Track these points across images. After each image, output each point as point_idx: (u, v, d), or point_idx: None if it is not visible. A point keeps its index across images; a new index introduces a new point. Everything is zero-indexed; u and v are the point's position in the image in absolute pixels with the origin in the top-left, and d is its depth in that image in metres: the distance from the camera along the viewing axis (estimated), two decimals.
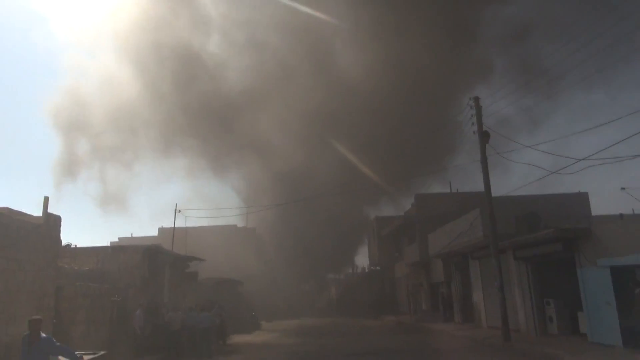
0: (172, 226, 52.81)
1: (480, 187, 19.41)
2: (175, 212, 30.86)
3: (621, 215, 18.36)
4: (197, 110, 50.49)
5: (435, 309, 29.96)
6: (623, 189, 28.00)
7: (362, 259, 56.96)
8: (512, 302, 19.30)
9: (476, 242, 20.32)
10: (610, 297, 13.65)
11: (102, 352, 10.03)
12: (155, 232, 55.77)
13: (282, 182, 51.14)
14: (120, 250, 19.21)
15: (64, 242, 20.11)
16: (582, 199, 36.96)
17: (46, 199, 12.35)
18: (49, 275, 12.29)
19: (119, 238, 55.44)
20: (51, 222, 12.55)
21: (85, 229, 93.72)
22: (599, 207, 40.80)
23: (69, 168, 50.32)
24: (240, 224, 56.64)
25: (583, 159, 13.54)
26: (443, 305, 28.13)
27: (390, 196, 46.31)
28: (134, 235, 55.82)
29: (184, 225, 52.34)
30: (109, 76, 53.04)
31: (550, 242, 15.71)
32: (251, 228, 56.93)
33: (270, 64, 51.17)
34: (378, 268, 45.44)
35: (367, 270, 52.32)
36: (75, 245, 19.67)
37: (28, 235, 11.34)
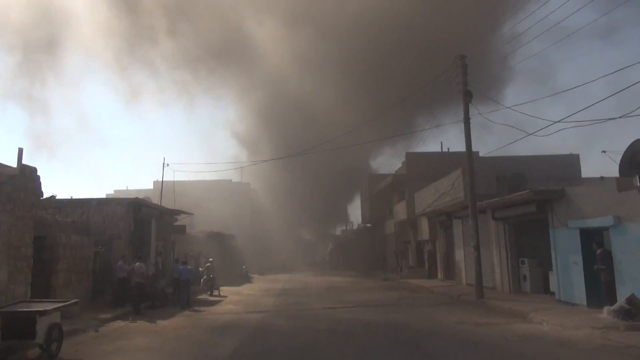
0: (168, 179, 53.29)
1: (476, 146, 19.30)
2: (163, 166, 30.66)
3: (602, 178, 18.49)
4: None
5: (422, 266, 30.59)
6: (604, 152, 27.91)
7: (357, 214, 57.56)
8: (490, 261, 19.73)
9: (457, 202, 20.53)
10: (577, 257, 13.97)
11: (73, 300, 10.38)
12: (151, 185, 56.15)
13: (277, 134, 51.13)
14: (105, 202, 19.47)
15: (49, 194, 20.36)
16: (573, 160, 37.16)
17: (20, 150, 12.47)
18: (27, 225, 12.52)
19: (114, 190, 56.03)
20: (27, 173, 12.69)
21: (83, 181, 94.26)
22: (589, 169, 40.93)
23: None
24: (235, 178, 57.03)
25: (558, 121, 13.51)
26: (428, 263, 28.71)
27: (382, 151, 46.44)
28: (129, 188, 56.25)
29: (181, 179, 52.85)
30: None
31: (526, 203, 15.89)
32: (245, 183, 57.26)
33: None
34: (369, 225, 46.03)
35: (359, 227, 52.98)
36: (63, 197, 19.87)
37: (1, 186, 11.49)
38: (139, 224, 20.67)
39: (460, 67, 18.13)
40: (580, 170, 36.79)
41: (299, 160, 42.62)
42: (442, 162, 30.24)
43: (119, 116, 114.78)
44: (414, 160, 33.49)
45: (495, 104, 18.56)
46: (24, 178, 12.52)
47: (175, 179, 51.41)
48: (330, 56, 46.15)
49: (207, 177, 53.44)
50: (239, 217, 52.04)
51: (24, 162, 12.73)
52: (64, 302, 10.11)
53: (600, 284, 12.96)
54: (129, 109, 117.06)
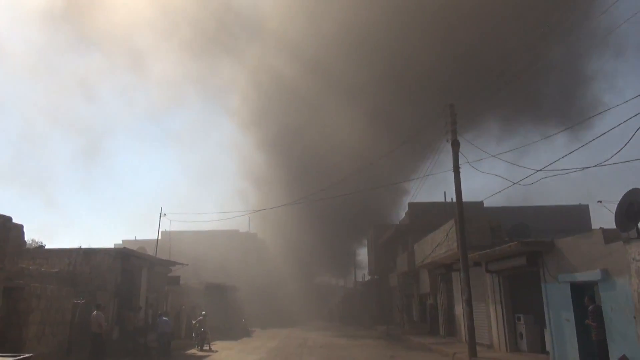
0: (174, 229, 53.29)
1: (479, 195, 18.92)
2: (160, 217, 30.62)
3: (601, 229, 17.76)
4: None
5: (425, 320, 29.43)
6: (600, 202, 27.17)
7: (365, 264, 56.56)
8: (487, 316, 18.84)
9: (452, 254, 19.86)
10: (569, 314, 13.19)
11: (27, 355, 9.96)
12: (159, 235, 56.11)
13: (285, 186, 51.18)
14: (92, 252, 19.27)
15: (36, 243, 20.37)
16: (582, 211, 36.22)
17: None
18: None
19: (122, 240, 55.94)
20: (0, 223, 12.61)
21: (93, 233, 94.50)
22: (601, 220, 39.86)
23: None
24: (242, 229, 56.78)
25: (539, 170, 13.12)
26: (430, 318, 27.63)
27: (390, 201, 46.05)
28: (137, 238, 56.28)
29: (189, 229, 52.87)
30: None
31: (516, 255, 15.25)
32: (252, 233, 56.96)
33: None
34: (376, 277, 44.99)
35: (366, 279, 51.86)
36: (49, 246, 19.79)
37: None
38: (127, 274, 20.37)
39: (450, 116, 18.02)
40: (590, 221, 35.78)
41: (306, 208, 42.42)
42: (445, 212, 29.64)
43: (130, 164, 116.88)
44: (417, 210, 32.96)
45: (487, 151, 18.19)
46: None
47: (182, 229, 51.62)
48: (333, 101, 46.97)
49: (216, 226, 53.41)
50: (245, 267, 51.41)
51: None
52: (15, 356, 9.70)
53: (591, 341, 12.13)
54: (138, 156, 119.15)
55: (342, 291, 60.39)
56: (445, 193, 34.91)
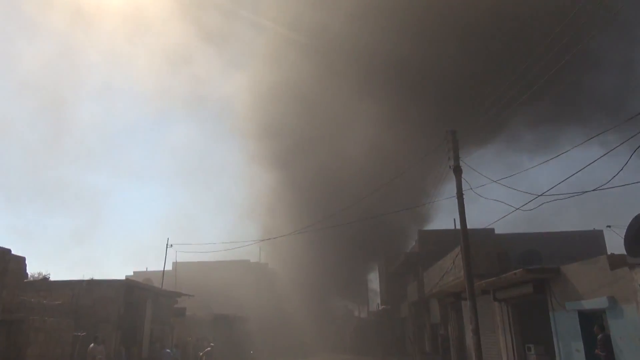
0: (185, 260, 53.29)
1: (491, 221, 18.39)
2: (167, 247, 30.60)
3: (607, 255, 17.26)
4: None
5: (437, 351, 28.64)
6: (609, 226, 26.54)
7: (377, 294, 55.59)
8: (497, 346, 18.25)
9: (459, 282, 19.40)
10: (579, 344, 12.69)
11: None
12: (170, 267, 56.08)
13: (294, 214, 50.96)
14: (95, 284, 19.24)
15: (41, 275, 20.42)
16: (596, 236, 35.35)
17: None
18: None
19: (133, 272, 55.99)
20: None
21: (105, 265, 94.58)
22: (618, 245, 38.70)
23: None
24: (252, 259, 56.48)
25: (540, 195, 12.84)
26: (442, 349, 26.87)
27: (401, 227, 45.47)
28: (148, 269, 56.22)
29: (200, 260, 52.74)
30: None
31: (522, 283, 14.84)
32: (264, 263, 56.60)
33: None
34: (388, 307, 44.14)
35: (379, 308, 50.92)
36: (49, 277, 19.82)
37: None
38: (130, 306, 20.24)
39: (451, 142, 17.87)
40: (605, 247, 34.83)
41: (316, 235, 42.14)
42: (455, 239, 29.13)
43: (137, 194, 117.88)
44: (426, 237, 32.45)
45: (487, 176, 17.92)
46: None
47: (190, 260, 51.50)
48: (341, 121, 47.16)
49: (226, 257, 53.20)
50: (256, 298, 50.88)
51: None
52: None
53: None
54: (146, 186, 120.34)
55: (355, 321, 59.31)
56: (455, 220, 34.25)
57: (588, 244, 33.74)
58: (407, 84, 40.38)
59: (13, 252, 14.20)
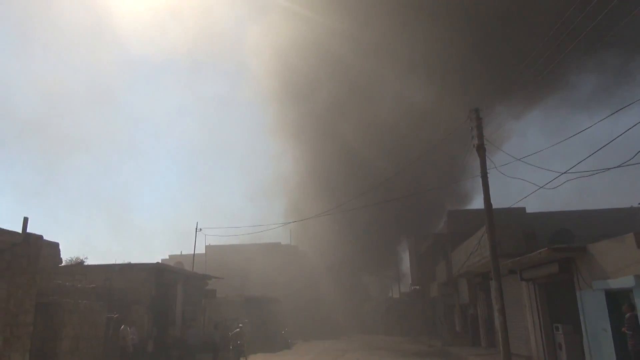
0: (218, 244, 54.29)
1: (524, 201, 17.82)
2: (196, 231, 31.23)
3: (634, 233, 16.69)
4: None
5: (467, 331, 28.52)
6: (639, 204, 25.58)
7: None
8: (525, 326, 18.03)
9: (485, 262, 19.17)
10: (606, 323, 12.39)
11: None
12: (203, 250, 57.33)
13: (323, 196, 50.97)
14: (127, 268, 19.88)
15: (78, 259, 21.23)
16: (634, 213, 34.16)
17: (25, 220, 13.02)
18: (28, 292, 12.88)
19: (169, 256, 57.58)
20: (31, 242, 13.18)
21: (144, 249, 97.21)
22: None
23: None
24: (283, 241, 57.13)
25: (564, 172, 12.46)
26: (471, 328, 26.74)
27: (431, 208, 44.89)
28: (183, 253, 57.65)
29: (230, 243, 53.70)
30: None
31: (548, 262, 14.54)
32: (294, 245, 57.17)
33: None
34: (418, 287, 44.04)
35: (410, 289, 50.88)
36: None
37: (1, 254, 12.00)
38: (162, 289, 20.86)
39: (475, 120, 17.50)
40: None
41: (345, 216, 42.11)
42: (483, 219, 28.69)
43: (171, 178, 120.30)
44: (456, 218, 32.12)
45: (511, 155, 17.48)
46: (27, 246, 13.02)
47: (223, 243, 52.42)
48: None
49: (257, 240, 54.00)
50: (288, 280, 51.58)
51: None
52: None
53: (630, 352, 11.32)
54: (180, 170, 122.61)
55: (387, 301, 59.50)
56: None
57: (625, 222, 32.66)
58: (445, 40, 38.55)
59: (51, 239, 14.83)
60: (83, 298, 16.86)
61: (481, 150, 16.85)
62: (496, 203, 18.47)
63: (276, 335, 33.22)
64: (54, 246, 16.57)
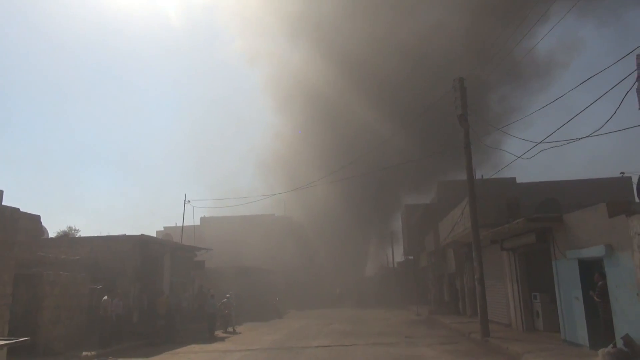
0: (213, 215, 54.35)
1: (511, 172, 18.11)
2: (184, 203, 31.29)
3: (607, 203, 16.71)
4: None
5: (454, 300, 28.91)
6: (622, 173, 25.58)
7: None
8: (505, 295, 18.24)
9: (468, 232, 19.22)
10: (578, 292, 12.52)
11: (23, 339, 10.43)
12: (199, 222, 57.53)
13: (315, 167, 50.86)
14: (112, 240, 19.98)
15: (71, 231, 21.27)
16: (624, 183, 34.14)
17: (0, 193, 13.00)
18: (6, 264, 12.95)
19: (164, 227, 57.82)
20: (7, 214, 13.19)
21: (139, 221, 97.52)
22: None
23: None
24: (278, 213, 57.31)
25: (540, 142, 12.38)
26: (457, 298, 27.10)
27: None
28: (177, 225, 57.89)
29: (223, 215, 53.86)
30: None
31: (527, 232, 14.59)
32: (288, 216, 57.39)
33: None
34: (410, 257, 44.47)
35: (402, 259, 51.40)
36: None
37: None
38: (148, 260, 21.00)
39: (459, 90, 17.29)
40: (634, 195, 33.54)
41: (338, 186, 42.13)
42: (477, 190, 28.72)
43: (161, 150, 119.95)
44: (445, 188, 32.19)
45: (493, 127, 17.42)
46: (2, 218, 13.02)
47: (218, 215, 52.57)
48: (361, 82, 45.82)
49: (252, 211, 54.08)
50: (282, 250, 51.96)
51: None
52: (11, 339, 10.19)
53: (600, 320, 11.47)
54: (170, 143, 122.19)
55: (382, 271, 60.17)
56: (474, 170, 33.58)
57: (615, 191, 32.68)
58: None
59: (53, 211, 14.83)
60: (67, 270, 16.97)
61: (464, 120, 16.72)
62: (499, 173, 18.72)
63: (268, 305, 33.65)
64: (35, 219, 16.56)
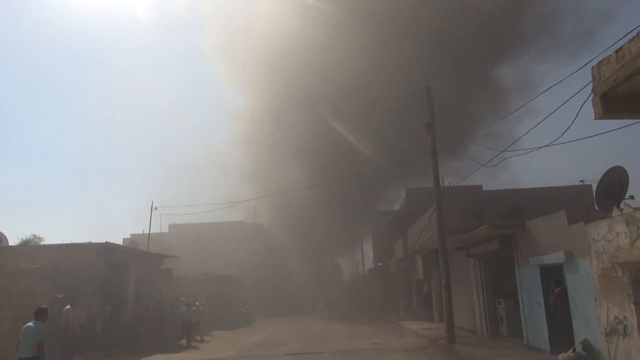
0: (182, 222, 53.63)
1: (478, 180, 18.50)
2: (151, 211, 30.78)
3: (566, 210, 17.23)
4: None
5: (423, 307, 29.18)
6: (582, 181, 26.50)
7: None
8: (471, 301, 18.53)
9: (433, 239, 19.50)
10: (539, 297, 12.83)
11: None
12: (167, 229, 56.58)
13: (281, 168, 50.65)
14: (75, 248, 19.46)
15: (35, 239, 20.60)
16: (585, 191, 35.22)
17: None
18: None
19: (131, 234, 56.61)
20: None
21: (105, 228, 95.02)
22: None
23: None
24: (248, 220, 56.92)
25: (503, 151, 12.70)
26: (426, 304, 27.36)
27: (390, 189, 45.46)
28: (145, 232, 56.81)
29: (194, 222, 53.20)
30: None
31: (491, 239, 14.89)
32: (259, 223, 57.06)
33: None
34: (380, 264, 44.78)
35: (372, 266, 51.73)
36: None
37: None
38: (113, 268, 20.53)
39: (426, 98, 17.57)
40: (594, 202, 34.62)
41: (311, 194, 42.10)
42: (444, 197, 29.15)
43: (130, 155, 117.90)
44: (414, 195, 32.48)
45: (462, 135, 17.80)
46: None
47: (188, 222, 51.84)
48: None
49: (223, 218, 53.53)
50: (252, 257, 51.52)
51: None
52: None
53: (558, 325, 11.78)
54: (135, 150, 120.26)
55: (352, 278, 60.40)
56: (442, 178, 34.09)
57: (577, 199, 33.67)
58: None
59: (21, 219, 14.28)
60: (27, 279, 16.45)
61: (431, 128, 16.99)
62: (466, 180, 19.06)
63: (237, 313, 33.30)
64: None
